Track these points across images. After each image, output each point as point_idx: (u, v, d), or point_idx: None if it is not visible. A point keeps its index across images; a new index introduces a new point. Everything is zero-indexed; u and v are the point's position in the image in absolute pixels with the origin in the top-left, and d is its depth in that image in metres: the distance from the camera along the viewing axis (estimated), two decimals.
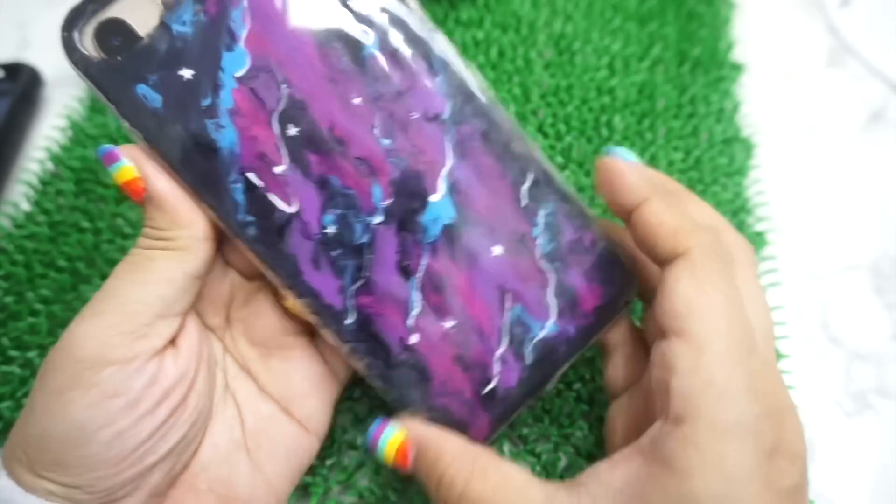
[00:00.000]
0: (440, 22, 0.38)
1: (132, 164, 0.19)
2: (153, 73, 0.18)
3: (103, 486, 0.18)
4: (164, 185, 0.19)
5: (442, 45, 0.20)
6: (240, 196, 0.19)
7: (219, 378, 0.22)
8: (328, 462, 0.25)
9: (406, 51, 0.20)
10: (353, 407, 0.26)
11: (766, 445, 0.17)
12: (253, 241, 0.19)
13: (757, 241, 0.32)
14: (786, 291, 0.31)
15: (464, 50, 0.37)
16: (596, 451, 0.25)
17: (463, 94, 0.20)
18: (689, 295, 0.18)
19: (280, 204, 0.19)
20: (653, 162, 0.33)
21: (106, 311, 0.18)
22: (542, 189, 0.21)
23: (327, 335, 0.20)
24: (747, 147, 0.35)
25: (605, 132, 0.34)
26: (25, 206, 0.32)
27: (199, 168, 0.19)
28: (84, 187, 0.32)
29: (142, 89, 0.18)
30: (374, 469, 0.25)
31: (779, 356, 0.28)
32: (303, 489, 0.24)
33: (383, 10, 0.19)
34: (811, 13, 0.42)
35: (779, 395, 0.18)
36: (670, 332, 0.18)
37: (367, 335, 0.20)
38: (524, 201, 0.21)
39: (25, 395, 0.26)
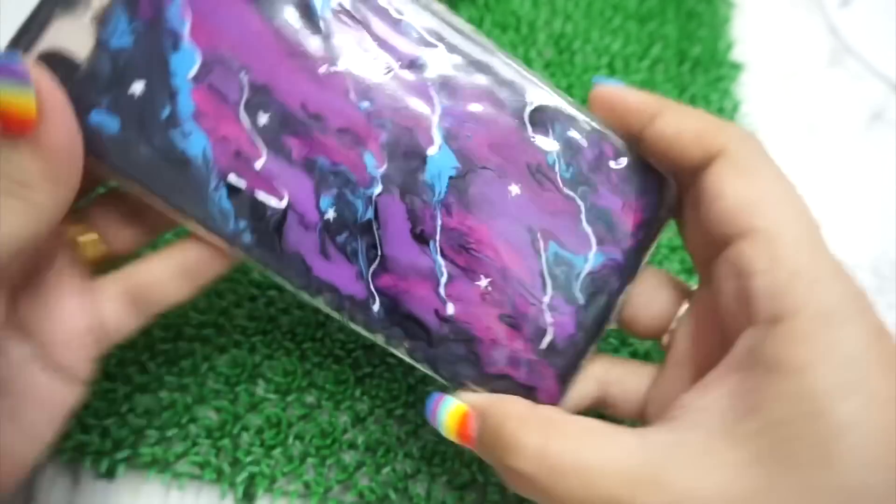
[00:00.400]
0: None
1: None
2: (103, 96, 0.17)
3: None
4: None
5: None
6: (226, 203, 0.18)
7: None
8: (328, 462, 0.25)
9: (367, 3, 0.18)
10: (353, 406, 0.26)
11: (873, 325, 0.15)
12: (251, 247, 0.18)
13: None
14: None
15: None
16: None
17: (434, 31, 0.18)
18: (739, 191, 0.16)
19: (270, 200, 0.18)
20: None
21: None
22: (546, 111, 0.19)
23: (357, 328, 0.19)
24: None
25: None
26: None
27: (177, 184, 0.18)
28: None
29: (95, 117, 0.17)
30: (374, 469, 0.25)
31: None
32: (303, 488, 0.24)
33: None
34: (811, 13, 0.42)
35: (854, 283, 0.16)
36: (733, 238, 0.16)
37: (400, 317, 0.19)
38: (530, 129, 0.19)
39: None
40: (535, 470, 0.16)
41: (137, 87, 0.17)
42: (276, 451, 0.25)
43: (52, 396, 0.19)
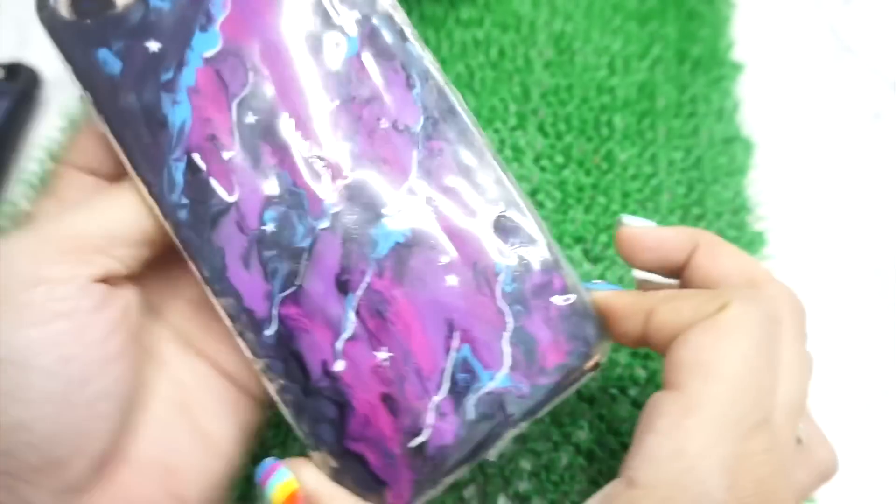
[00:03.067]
0: (440, 21, 0.38)
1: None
2: (119, 40, 0.18)
3: (42, 432, 0.16)
4: None
5: (425, 57, 0.19)
6: (179, 176, 0.18)
7: (152, 335, 0.20)
8: None
9: (386, 58, 0.19)
10: None
11: None
12: (182, 225, 0.18)
13: (757, 240, 0.32)
14: None
15: (464, 50, 0.37)
16: (596, 449, 0.25)
17: (439, 109, 0.19)
18: (701, 347, 0.16)
19: (220, 191, 0.18)
20: (653, 161, 0.33)
21: (47, 228, 0.17)
22: (512, 222, 0.19)
23: (242, 345, 0.18)
24: (747, 146, 0.35)
25: (605, 131, 0.34)
26: (26, 207, 0.32)
27: (144, 140, 0.18)
28: None
29: (102, 54, 0.18)
30: None
31: None
32: None
33: (370, 15, 0.19)
34: (811, 13, 0.42)
35: (772, 490, 0.15)
36: (669, 384, 0.16)
37: (287, 352, 0.18)
38: (491, 232, 0.19)
39: None
40: None
41: (154, 46, 0.18)
42: (276, 452, 0.25)
43: (237, 410, 0.20)
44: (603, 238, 0.30)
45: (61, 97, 0.36)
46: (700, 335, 0.16)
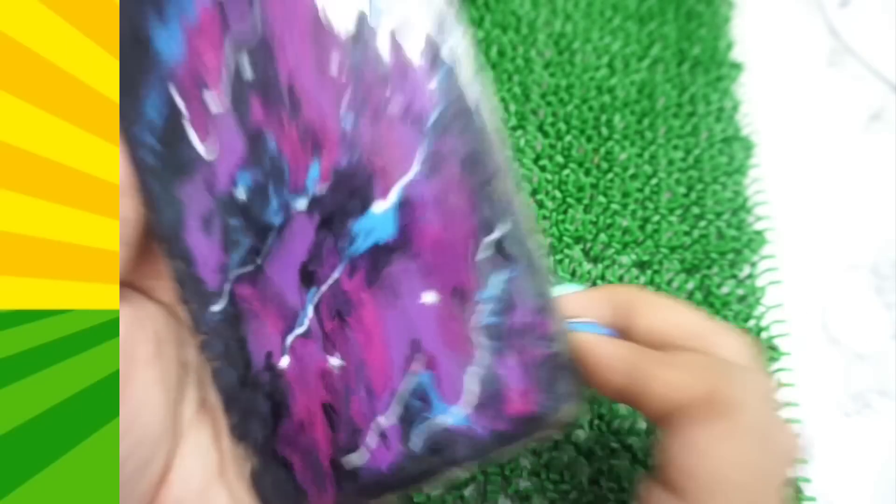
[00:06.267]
0: None
1: None
2: None
3: None
4: None
5: (458, 49, 0.16)
6: (153, 112, 0.16)
7: (191, 394, 0.18)
8: None
9: (411, 33, 0.16)
10: None
11: None
12: (145, 167, 0.16)
13: (757, 240, 0.32)
14: (786, 291, 0.31)
15: None
16: (596, 449, 0.25)
17: (459, 106, 0.16)
18: (703, 454, 0.15)
19: (195, 140, 0.16)
20: (653, 161, 0.33)
21: None
22: (510, 248, 0.16)
23: (185, 314, 0.17)
24: (747, 146, 0.35)
25: (605, 131, 0.34)
26: None
27: (131, 59, 0.16)
28: None
29: None
30: None
31: (778, 355, 0.28)
32: None
33: None
34: (811, 13, 0.42)
35: None
36: (668, 483, 0.15)
37: (231, 334, 0.16)
38: (483, 254, 0.16)
39: None
40: None
41: None
42: None
43: None
44: (603, 238, 0.30)
45: None
46: (700, 436, 0.15)
